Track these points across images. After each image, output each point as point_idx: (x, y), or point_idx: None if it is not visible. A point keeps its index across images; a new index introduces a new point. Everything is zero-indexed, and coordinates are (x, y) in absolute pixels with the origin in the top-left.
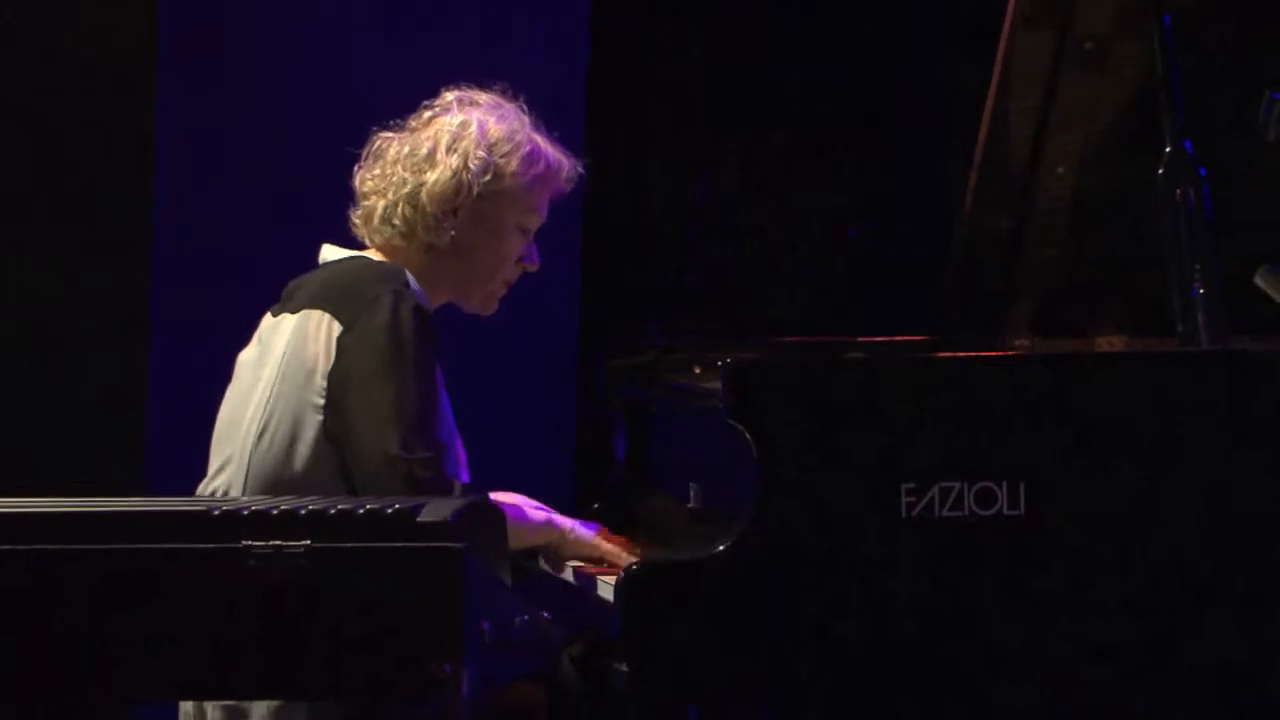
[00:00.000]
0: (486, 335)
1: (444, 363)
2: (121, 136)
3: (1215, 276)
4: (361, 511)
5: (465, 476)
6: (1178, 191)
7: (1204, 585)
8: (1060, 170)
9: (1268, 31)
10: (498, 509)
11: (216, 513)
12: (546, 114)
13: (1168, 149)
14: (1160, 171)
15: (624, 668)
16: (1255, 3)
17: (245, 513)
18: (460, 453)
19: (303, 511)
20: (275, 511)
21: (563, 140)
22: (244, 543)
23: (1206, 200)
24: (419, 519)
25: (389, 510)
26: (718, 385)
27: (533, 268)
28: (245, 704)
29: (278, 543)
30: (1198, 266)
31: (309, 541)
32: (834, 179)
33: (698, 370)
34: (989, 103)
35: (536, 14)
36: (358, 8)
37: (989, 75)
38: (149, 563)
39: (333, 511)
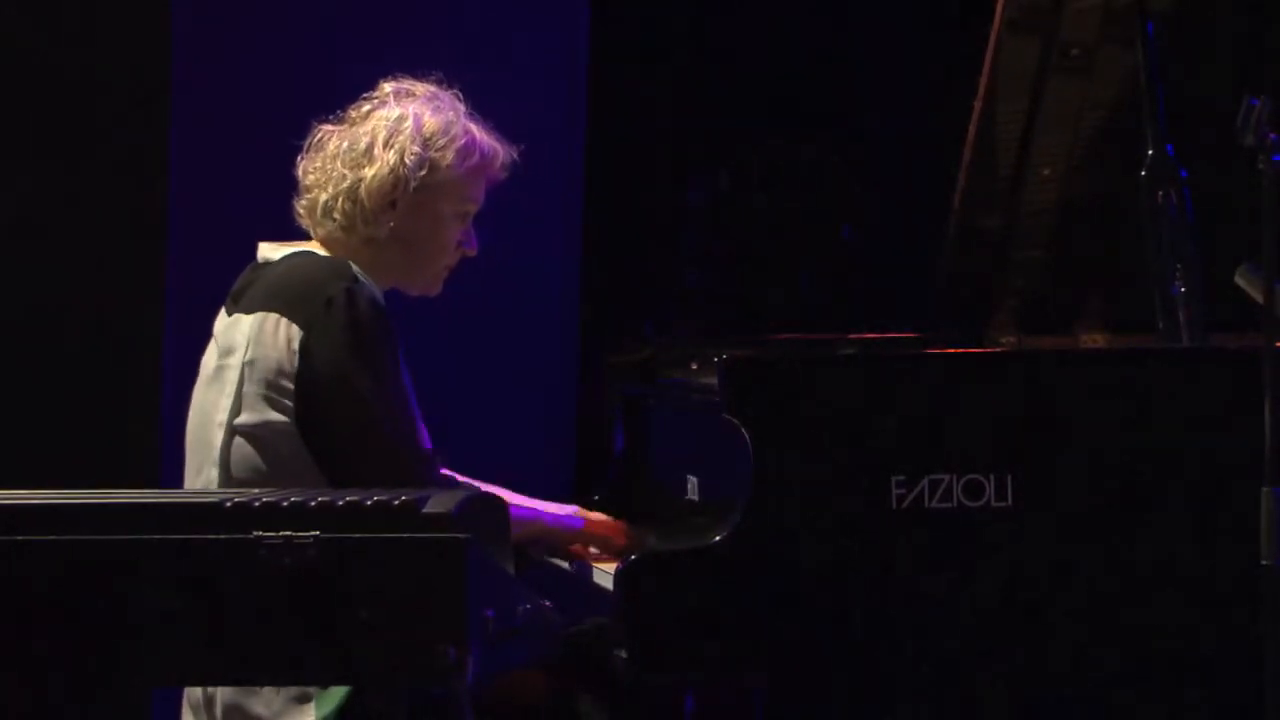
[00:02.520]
0: (489, 333)
1: (447, 360)
2: (137, 129)
3: (1195, 275)
4: (368, 503)
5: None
6: (1159, 193)
7: (1187, 577)
8: (1046, 172)
9: (1248, 38)
10: (500, 500)
11: (229, 504)
12: (547, 116)
13: (1150, 152)
14: (1143, 174)
15: (623, 654)
16: (1236, 10)
17: (256, 504)
18: (422, 428)
19: (312, 503)
20: (285, 504)
21: (564, 143)
22: (255, 534)
23: (1188, 202)
24: (424, 510)
25: (395, 502)
26: (714, 381)
27: (471, 253)
28: (252, 699)
29: (287, 533)
30: (1179, 266)
31: (318, 532)
32: (827, 180)
33: (694, 366)
34: (977, 105)
35: (537, 17)
36: (361, 11)
37: (977, 76)
38: (163, 553)
39: (340, 503)
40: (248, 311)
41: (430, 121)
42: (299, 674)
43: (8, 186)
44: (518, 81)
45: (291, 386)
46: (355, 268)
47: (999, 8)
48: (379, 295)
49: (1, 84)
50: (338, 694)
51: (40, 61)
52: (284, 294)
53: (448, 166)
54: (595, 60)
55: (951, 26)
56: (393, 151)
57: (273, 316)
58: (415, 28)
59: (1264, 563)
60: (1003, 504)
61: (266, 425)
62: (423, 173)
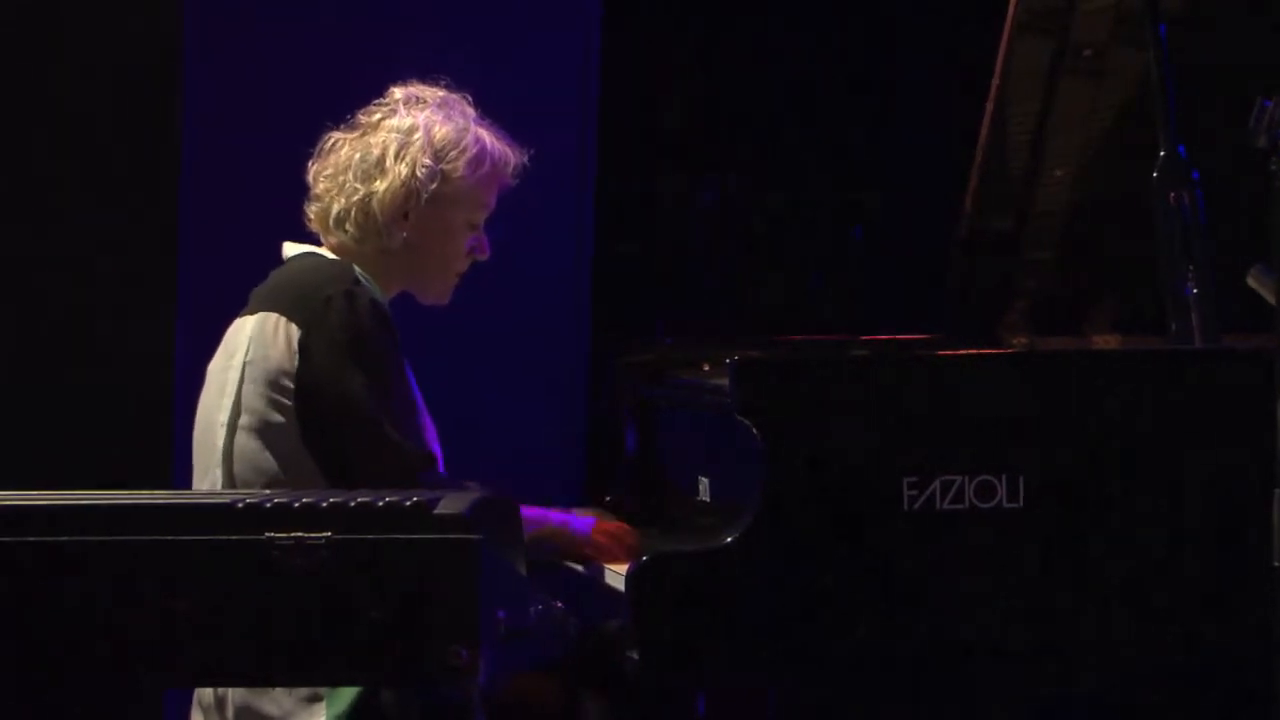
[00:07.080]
0: (500, 334)
1: (457, 362)
2: (148, 124)
3: (1207, 276)
4: (380, 504)
5: (437, 450)
6: (1171, 194)
7: (1200, 579)
8: (1058, 173)
9: (1258, 39)
10: (512, 502)
11: (240, 506)
12: (557, 118)
13: (1162, 153)
14: (1155, 175)
15: (635, 656)
16: (1246, 11)
17: (268, 506)
18: (431, 429)
19: (324, 505)
20: (297, 505)
21: (575, 143)
22: (266, 535)
23: (1199, 203)
24: (436, 511)
25: (407, 503)
26: (726, 382)
27: (483, 257)
28: (263, 699)
29: (299, 534)
30: (1191, 267)
31: (330, 533)
32: (839, 180)
33: (706, 367)
34: (989, 106)
35: (550, 17)
36: (373, 13)
37: (988, 79)
38: (175, 554)
39: (352, 504)
40: (252, 313)
41: (441, 131)
42: (311, 675)
43: (18, 188)
44: (530, 81)
45: (292, 386)
46: (359, 271)
47: (1011, 9)
48: (381, 299)
49: (11, 87)
50: (349, 694)
51: (50, 62)
52: (285, 294)
53: (460, 178)
54: (607, 59)
55: (964, 28)
56: (404, 164)
57: (273, 316)
58: (428, 28)
59: (1275, 564)
60: (1015, 505)
61: (267, 425)
62: (434, 185)
